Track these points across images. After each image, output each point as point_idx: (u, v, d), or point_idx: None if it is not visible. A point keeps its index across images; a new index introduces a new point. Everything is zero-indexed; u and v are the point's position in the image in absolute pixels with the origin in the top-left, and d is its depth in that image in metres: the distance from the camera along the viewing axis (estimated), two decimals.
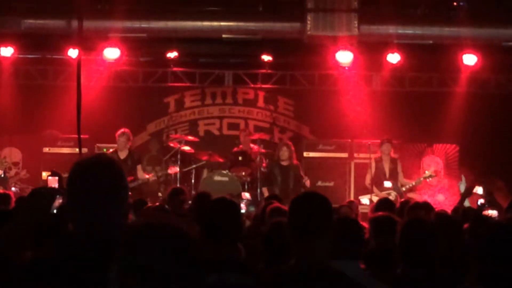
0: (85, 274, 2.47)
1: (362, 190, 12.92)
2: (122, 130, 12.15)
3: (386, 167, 12.33)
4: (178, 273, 1.89)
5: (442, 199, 13.23)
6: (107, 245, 2.32)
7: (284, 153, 12.34)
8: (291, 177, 12.25)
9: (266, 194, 11.88)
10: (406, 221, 4.27)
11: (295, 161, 12.51)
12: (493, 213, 7.75)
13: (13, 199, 7.09)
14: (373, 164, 12.37)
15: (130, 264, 1.90)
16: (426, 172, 12.43)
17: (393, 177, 12.28)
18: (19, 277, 2.58)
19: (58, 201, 2.88)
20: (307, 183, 12.20)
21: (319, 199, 3.48)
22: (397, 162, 12.49)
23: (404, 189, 12.05)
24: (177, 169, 12.67)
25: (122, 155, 11.95)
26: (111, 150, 12.53)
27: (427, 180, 12.40)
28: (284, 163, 12.34)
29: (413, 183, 12.27)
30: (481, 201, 9.68)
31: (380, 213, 5.61)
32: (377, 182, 12.21)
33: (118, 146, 12.14)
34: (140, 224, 1.99)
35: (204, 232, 3.85)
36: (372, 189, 12.10)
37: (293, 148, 12.61)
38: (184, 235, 1.95)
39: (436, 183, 13.61)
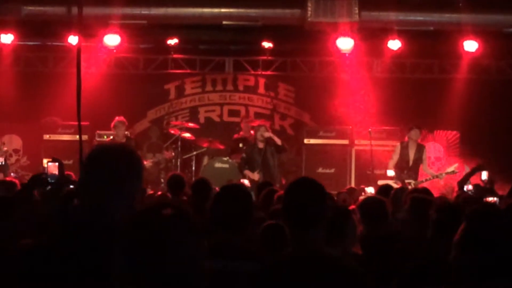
0: (86, 261, 2.48)
1: (363, 177, 12.90)
2: (117, 119, 12.18)
3: (411, 153, 11.98)
4: (179, 259, 1.90)
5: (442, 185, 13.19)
6: (110, 231, 2.32)
7: (263, 133, 12.08)
8: (270, 157, 12.05)
9: (251, 176, 11.85)
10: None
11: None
12: (494, 199, 7.70)
13: (19, 186, 7.09)
14: (398, 150, 12.09)
15: (132, 250, 1.91)
16: (450, 167, 12.13)
17: (417, 164, 11.96)
18: (17, 263, 2.59)
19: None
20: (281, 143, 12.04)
21: (314, 188, 3.38)
22: (423, 149, 12.13)
23: (413, 181, 11.71)
24: (172, 153, 12.71)
25: None
26: (111, 137, 12.54)
27: (450, 175, 12.05)
28: (261, 145, 12.11)
29: (435, 175, 11.94)
30: (483, 183, 9.65)
31: (368, 196, 5.59)
32: (400, 168, 12.00)
33: (117, 135, 12.15)
34: (140, 210, 2.00)
35: (213, 218, 3.83)
36: (395, 175, 11.83)
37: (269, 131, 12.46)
38: (185, 219, 1.96)
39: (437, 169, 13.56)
